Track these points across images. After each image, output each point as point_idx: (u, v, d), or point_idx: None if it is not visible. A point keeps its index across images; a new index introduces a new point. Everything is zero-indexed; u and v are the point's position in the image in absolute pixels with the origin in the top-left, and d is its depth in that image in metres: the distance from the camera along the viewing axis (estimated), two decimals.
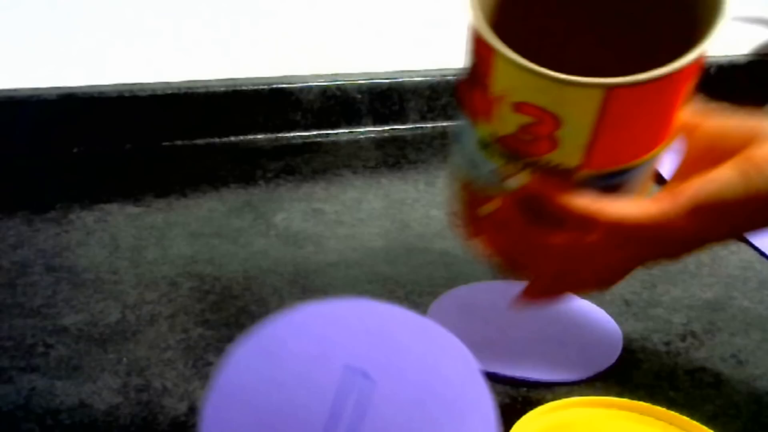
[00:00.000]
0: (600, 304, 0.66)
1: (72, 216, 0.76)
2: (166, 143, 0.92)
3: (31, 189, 0.80)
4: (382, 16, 0.98)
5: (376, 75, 0.98)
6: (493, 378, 0.57)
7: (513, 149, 0.47)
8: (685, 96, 0.52)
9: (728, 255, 0.76)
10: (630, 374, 0.59)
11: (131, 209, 0.78)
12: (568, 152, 0.46)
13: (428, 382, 0.36)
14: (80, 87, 0.89)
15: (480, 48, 0.46)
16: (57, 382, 0.55)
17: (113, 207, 0.78)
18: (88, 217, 0.76)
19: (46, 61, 0.87)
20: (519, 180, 0.48)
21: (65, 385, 0.55)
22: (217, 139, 0.94)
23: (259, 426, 0.35)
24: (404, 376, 0.35)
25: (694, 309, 0.67)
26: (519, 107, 0.45)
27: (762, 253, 0.77)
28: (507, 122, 0.46)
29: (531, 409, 0.55)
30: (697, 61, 0.49)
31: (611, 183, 0.48)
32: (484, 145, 0.48)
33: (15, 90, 0.87)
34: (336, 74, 0.98)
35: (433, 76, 0.99)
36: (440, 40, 1.00)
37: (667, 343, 0.63)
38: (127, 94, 0.89)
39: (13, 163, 0.85)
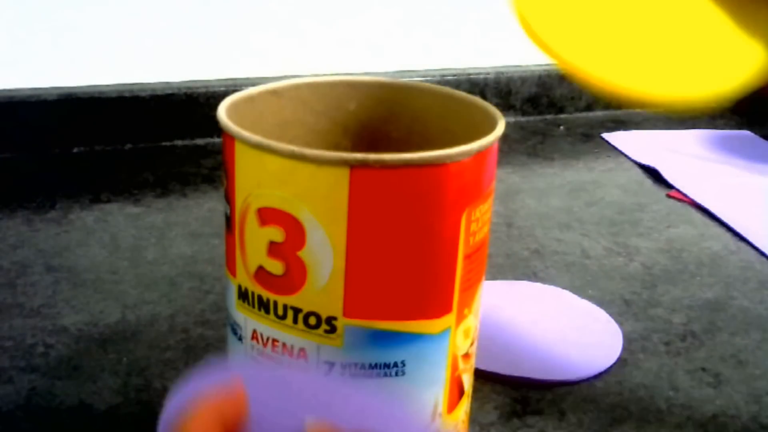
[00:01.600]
0: (600, 304, 0.66)
1: (72, 216, 0.76)
2: (166, 143, 0.92)
3: (31, 189, 0.80)
4: (383, 16, 0.98)
5: (376, 75, 0.98)
6: (493, 378, 0.57)
7: (264, 288, 0.41)
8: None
9: (728, 255, 0.76)
10: (630, 374, 0.59)
11: (131, 209, 0.78)
12: (324, 287, 0.40)
13: None
14: (80, 87, 0.89)
15: (225, 149, 0.41)
16: (57, 382, 0.55)
17: (113, 207, 0.78)
18: (88, 217, 0.76)
19: (46, 61, 0.87)
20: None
21: (65, 385, 0.55)
22: (217, 139, 0.94)
23: None
24: None
25: (694, 309, 0.67)
26: (263, 215, 0.40)
27: (762, 253, 0.77)
28: (256, 246, 0.40)
29: (530, 410, 0.55)
30: (450, 163, 0.39)
31: (386, 362, 0.41)
32: (241, 294, 0.42)
33: (15, 90, 0.87)
34: (336, 74, 0.98)
35: (433, 76, 0.99)
36: (440, 40, 1.00)
37: (667, 343, 0.63)
38: (127, 94, 0.89)
39: (13, 163, 0.85)
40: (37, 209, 0.77)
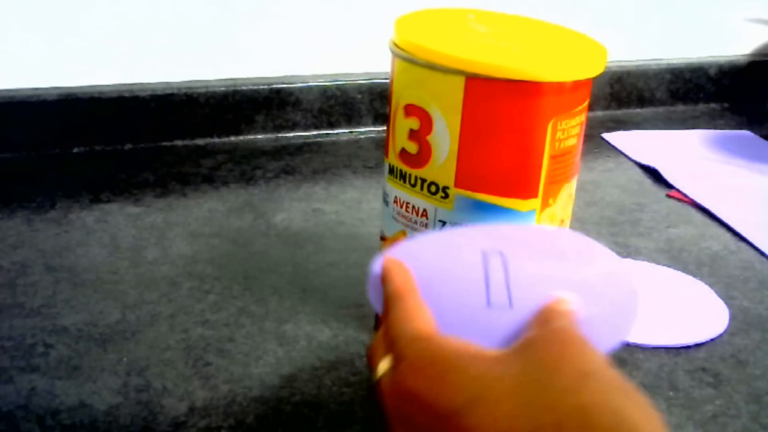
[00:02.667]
0: None
1: (72, 216, 0.76)
2: (166, 143, 0.92)
3: (31, 189, 0.80)
4: (383, 16, 0.98)
5: (376, 75, 0.98)
6: None
7: (404, 164, 0.56)
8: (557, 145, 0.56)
9: (728, 255, 0.76)
10: (630, 374, 0.59)
11: (131, 209, 0.78)
12: (443, 164, 0.54)
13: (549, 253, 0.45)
14: (80, 87, 0.89)
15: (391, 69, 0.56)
16: (57, 382, 0.55)
17: (113, 207, 0.78)
18: (88, 217, 0.76)
19: (46, 61, 0.87)
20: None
21: (65, 385, 0.55)
22: (217, 139, 0.94)
23: (429, 286, 0.43)
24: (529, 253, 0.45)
25: None
26: (407, 110, 0.55)
27: (762, 253, 0.77)
28: (401, 132, 0.55)
29: None
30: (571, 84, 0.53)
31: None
32: (390, 170, 0.58)
33: (15, 90, 0.87)
34: (336, 74, 0.98)
35: None
36: None
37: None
38: (127, 94, 0.89)
39: (13, 163, 0.85)
40: (37, 209, 0.77)
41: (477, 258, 0.44)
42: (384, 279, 0.44)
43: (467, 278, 0.43)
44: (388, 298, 0.42)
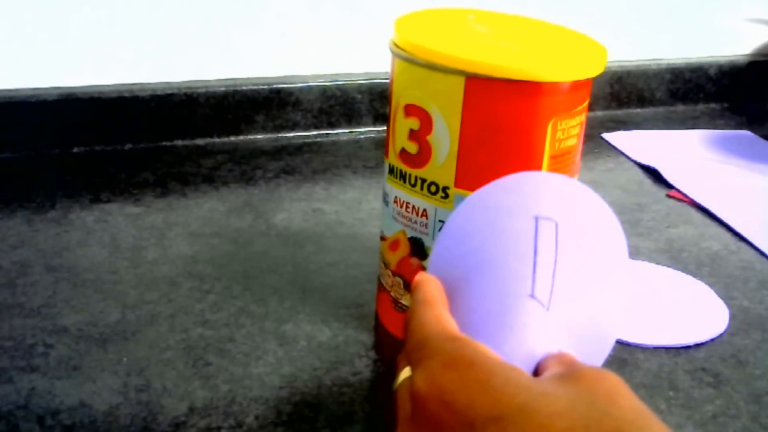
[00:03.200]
0: None
1: (72, 216, 0.76)
2: (166, 143, 0.92)
3: (31, 189, 0.80)
4: (382, 16, 0.98)
5: (376, 75, 0.98)
6: None
7: (404, 164, 0.56)
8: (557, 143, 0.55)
9: (728, 255, 0.76)
10: (631, 374, 0.59)
11: (131, 209, 0.78)
12: (442, 164, 0.54)
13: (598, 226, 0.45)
14: (80, 87, 0.89)
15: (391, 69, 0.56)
16: (57, 382, 0.55)
17: (113, 207, 0.78)
18: (88, 217, 0.76)
19: (46, 61, 0.87)
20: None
21: (65, 385, 0.55)
22: (217, 139, 0.94)
23: (481, 257, 0.41)
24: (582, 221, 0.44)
25: None
26: (407, 110, 0.54)
27: (762, 253, 0.77)
28: (401, 132, 0.55)
29: None
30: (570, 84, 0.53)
31: None
32: (390, 170, 0.57)
33: (15, 90, 0.87)
34: (336, 74, 0.98)
35: None
36: None
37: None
38: (127, 94, 0.89)
39: (13, 163, 0.85)
40: (37, 209, 0.77)
41: (529, 226, 0.41)
42: (413, 288, 0.42)
43: (514, 257, 0.41)
44: (416, 304, 0.40)
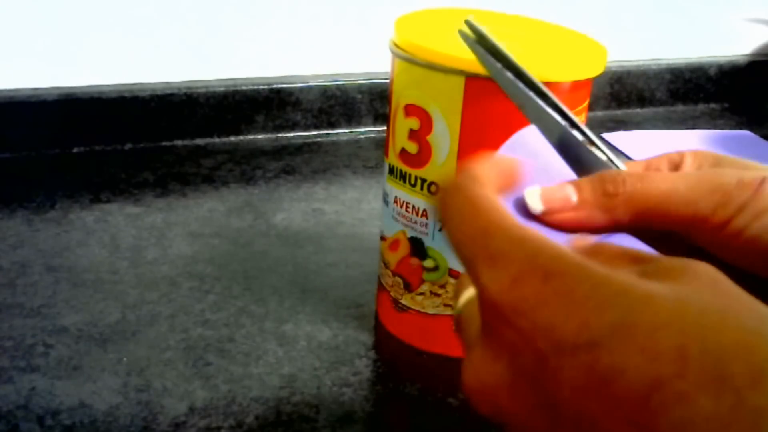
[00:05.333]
0: None
1: (72, 216, 0.76)
2: (166, 143, 0.92)
3: (31, 189, 0.80)
4: (382, 16, 0.98)
5: (376, 75, 0.98)
6: None
7: (404, 164, 0.56)
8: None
9: None
10: None
11: (131, 209, 0.78)
12: (443, 163, 0.54)
13: None
14: (80, 87, 0.89)
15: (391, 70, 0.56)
16: (57, 382, 0.55)
17: (113, 207, 0.78)
18: (88, 217, 0.76)
19: (46, 61, 0.87)
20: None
21: (65, 385, 0.55)
22: (217, 139, 0.94)
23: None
24: None
25: None
26: (407, 110, 0.54)
27: None
28: (401, 132, 0.55)
29: None
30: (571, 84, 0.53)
31: None
32: (390, 170, 0.57)
33: (15, 90, 0.87)
34: (336, 74, 0.98)
35: None
36: None
37: None
38: (127, 94, 0.89)
39: (13, 163, 0.85)
40: (37, 209, 0.77)
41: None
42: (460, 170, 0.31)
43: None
44: (467, 181, 0.30)
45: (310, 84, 0.96)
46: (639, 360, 0.23)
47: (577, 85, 0.53)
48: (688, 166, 0.37)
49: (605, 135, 1.03)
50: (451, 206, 0.29)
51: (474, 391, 0.27)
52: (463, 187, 0.30)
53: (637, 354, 0.23)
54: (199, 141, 0.94)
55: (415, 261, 0.58)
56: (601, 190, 0.33)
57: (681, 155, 0.37)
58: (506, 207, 0.29)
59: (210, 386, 0.55)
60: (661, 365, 0.23)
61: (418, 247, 0.57)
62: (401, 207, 0.57)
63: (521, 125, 0.52)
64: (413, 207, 0.56)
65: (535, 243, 0.27)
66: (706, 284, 0.25)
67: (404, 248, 0.58)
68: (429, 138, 0.54)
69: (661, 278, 0.26)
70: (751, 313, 0.24)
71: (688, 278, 0.25)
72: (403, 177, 0.57)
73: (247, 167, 0.88)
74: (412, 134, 0.55)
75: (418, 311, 0.59)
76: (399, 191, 0.57)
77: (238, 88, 0.93)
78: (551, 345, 0.25)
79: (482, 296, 0.27)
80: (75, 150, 0.89)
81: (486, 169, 0.31)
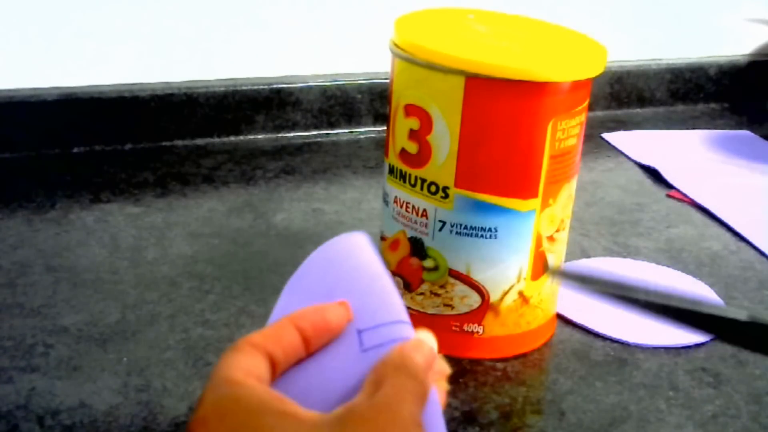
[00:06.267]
0: None
1: (72, 216, 0.76)
2: (166, 143, 0.92)
3: (31, 189, 0.80)
4: (382, 16, 0.98)
5: (376, 75, 0.98)
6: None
7: (404, 164, 0.56)
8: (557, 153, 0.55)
9: (728, 255, 0.76)
10: (630, 374, 0.59)
11: (131, 209, 0.78)
12: (443, 163, 0.54)
13: None
14: (80, 87, 0.89)
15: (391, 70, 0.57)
16: (57, 382, 0.55)
17: (113, 207, 0.78)
18: (88, 217, 0.76)
19: (46, 61, 0.87)
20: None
21: (65, 385, 0.55)
22: (217, 139, 0.94)
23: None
24: None
25: None
26: (407, 110, 0.54)
27: (762, 253, 0.77)
28: (401, 132, 0.55)
29: (530, 410, 0.55)
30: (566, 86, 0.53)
31: (483, 226, 0.54)
32: (390, 170, 0.57)
33: (15, 90, 0.87)
34: (336, 74, 0.98)
35: None
36: None
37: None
38: (127, 94, 0.89)
39: (13, 163, 0.85)
40: (37, 209, 0.77)
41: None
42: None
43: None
44: (233, 346, 0.37)
45: (310, 84, 0.96)
46: None
47: (577, 85, 0.53)
48: None
49: (605, 135, 1.03)
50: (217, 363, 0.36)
51: None
52: (225, 351, 0.36)
53: None
54: (199, 141, 0.94)
55: (415, 261, 0.58)
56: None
57: None
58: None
59: None
60: None
61: (418, 247, 0.57)
62: (401, 207, 0.57)
63: (521, 125, 0.52)
64: (413, 207, 0.56)
65: (225, 389, 0.33)
66: (363, 424, 0.31)
67: (404, 248, 0.58)
68: (429, 138, 0.54)
69: (343, 420, 0.31)
70: None
71: (354, 423, 0.31)
72: (403, 177, 0.56)
73: (247, 167, 0.88)
74: (412, 134, 0.55)
75: (418, 311, 0.59)
76: (399, 191, 0.57)
77: (238, 88, 0.93)
78: None
79: (191, 420, 0.33)
80: (75, 150, 0.89)
81: (268, 329, 0.37)
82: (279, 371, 0.37)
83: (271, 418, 0.31)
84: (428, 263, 0.57)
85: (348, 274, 0.41)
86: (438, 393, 0.36)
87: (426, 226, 0.56)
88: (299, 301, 0.40)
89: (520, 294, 0.57)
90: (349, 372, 0.37)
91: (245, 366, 0.35)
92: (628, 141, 1.02)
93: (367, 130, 0.99)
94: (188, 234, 0.74)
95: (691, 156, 0.98)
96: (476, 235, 0.55)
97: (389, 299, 0.39)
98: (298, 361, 0.38)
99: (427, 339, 0.37)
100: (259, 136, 0.96)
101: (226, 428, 0.32)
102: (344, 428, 0.31)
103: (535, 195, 0.54)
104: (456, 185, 0.54)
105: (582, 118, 0.55)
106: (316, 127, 0.98)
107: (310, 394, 0.36)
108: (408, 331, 0.38)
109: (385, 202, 0.59)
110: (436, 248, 0.56)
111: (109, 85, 0.90)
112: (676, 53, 1.15)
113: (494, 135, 0.53)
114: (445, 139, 0.53)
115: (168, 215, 0.77)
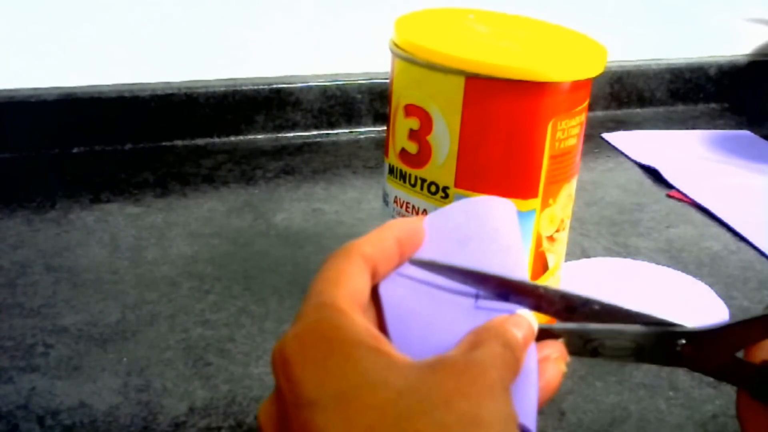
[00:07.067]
0: None
1: (72, 216, 0.76)
2: (166, 143, 0.92)
3: (31, 189, 0.80)
4: (382, 16, 0.98)
5: (376, 75, 0.98)
6: None
7: (404, 164, 0.56)
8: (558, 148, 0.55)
9: (728, 255, 0.76)
10: (630, 374, 0.59)
11: (131, 209, 0.78)
12: (442, 164, 0.54)
13: None
14: (80, 87, 0.89)
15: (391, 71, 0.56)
16: (57, 382, 0.55)
17: (113, 207, 0.78)
18: (88, 217, 0.76)
19: (46, 61, 0.87)
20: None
21: (65, 385, 0.55)
22: (217, 139, 0.94)
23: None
24: None
25: None
26: (407, 110, 0.55)
27: (762, 253, 0.77)
28: (401, 132, 0.55)
29: None
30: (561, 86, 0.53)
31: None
32: (390, 170, 0.57)
33: (15, 90, 0.87)
34: (336, 74, 0.98)
35: None
36: None
37: None
38: (127, 94, 0.89)
39: (13, 163, 0.85)
40: (37, 209, 0.77)
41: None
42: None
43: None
44: (338, 250, 0.37)
45: (310, 84, 0.96)
46: (338, 427, 0.28)
47: (577, 85, 0.53)
48: None
49: (605, 135, 1.03)
50: (321, 266, 0.37)
51: (258, 420, 0.33)
52: (335, 254, 0.37)
53: (340, 422, 0.28)
54: (199, 141, 0.94)
55: None
56: None
57: None
58: (363, 277, 0.35)
59: (210, 386, 0.55)
60: None
61: None
62: (401, 207, 0.57)
63: (521, 125, 0.52)
64: (413, 207, 0.56)
65: (327, 312, 0.32)
66: (448, 385, 0.29)
67: None
68: (429, 138, 0.54)
69: (431, 370, 0.30)
70: (456, 422, 0.28)
71: (441, 377, 0.30)
72: (403, 177, 0.56)
73: (247, 167, 0.88)
74: (412, 134, 0.55)
75: None
76: (399, 191, 0.57)
77: (238, 88, 0.93)
78: (294, 398, 0.30)
79: (276, 345, 0.32)
80: (75, 150, 0.89)
81: (374, 238, 0.37)
82: (374, 282, 0.37)
83: (365, 352, 0.31)
84: None
85: (488, 234, 0.40)
86: (554, 374, 0.37)
87: None
88: (431, 238, 0.40)
89: None
90: (454, 322, 0.37)
91: (352, 290, 0.35)
92: (628, 141, 1.02)
93: (367, 130, 0.99)
94: (188, 234, 0.74)
95: (691, 156, 0.98)
96: None
97: (518, 270, 0.39)
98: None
99: (530, 317, 0.37)
100: (259, 136, 0.96)
101: (319, 351, 0.31)
102: (434, 375, 0.30)
103: (535, 195, 0.54)
104: (456, 185, 0.54)
105: (582, 118, 0.55)
106: (316, 127, 0.98)
107: (410, 337, 0.36)
108: (520, 308, 0.38)
109: (385, 202, 0.59)
110: None
111: (109, 85, 0.90)
112: (676, 53, 1.15)
113: (494, 135, 0.53)
114: (445, 139, 0.53)
115: (168, 215, 0.77)
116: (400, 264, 0.38)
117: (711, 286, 0.71)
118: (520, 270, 0.39)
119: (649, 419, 0.55)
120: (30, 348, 0.58)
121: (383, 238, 0.37)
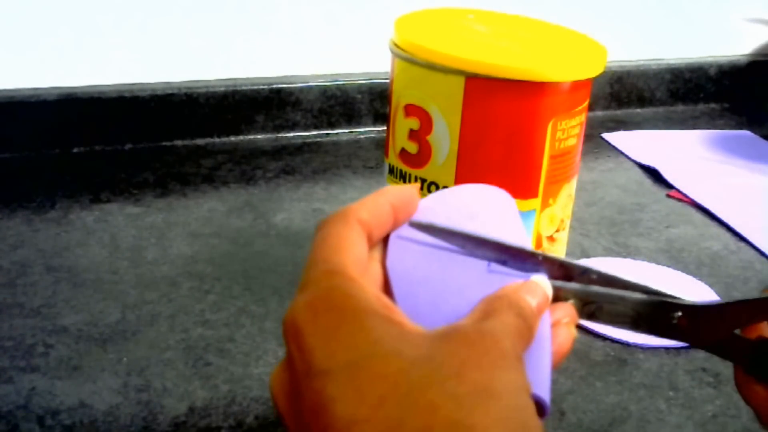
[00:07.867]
0: None
1: (72, 216, 0.76)
2: (166, 143, 0.92)
3: (31, 189, 0.80)
4: (382, 16, 0.98)
5: (376, 75, 0.98)
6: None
7: (404, 164, 0.56)
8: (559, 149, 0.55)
9: (728, 255, 0.76)
10: (630, 374, 0.59)
11: (131, 209, 0.78)
12: (443, 164, 0.54)
13: None
14: (80, 87, 0.89)
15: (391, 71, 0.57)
16: (57, 382, 0.55)
17: (113, 207, 0.78)
18: (88, 217, 0.76)
19: (46, 61, 0.87)
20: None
21: (65, 385, 0.55)
22: (217, 139, 0.94)
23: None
24: None
25: None
26: (407, 110, 0.55)
27: (762, 253, 0.77)
28: (401, 132, 0.56)
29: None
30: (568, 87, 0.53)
31: None
32: (390, 170, 0.58)
33: (15, 90, 0.87)
34: (336, 74, 0.98)
35: None
36: None
37: None
38: (127, 94, 0.89)
39: (13, 163, 0.85)
40: (37, 209, 0.77)
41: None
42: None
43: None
44: (333, 215, 0.37)
45: (310, 84, 0.96)
46: (350, 397, 0.27)
47: (577, 85, 0.53)
48: None
49: (605, 135, 1.03)
50: (319, 232, 0.36)
51: (270, 389, 0.32)
52: (332, 220, 0.36)
53: (352, 392, 0.28)
54: (199, 141, 0.94)
55: None
56: None
57: None
58: (361, 243, 0.34)
59: (210, 386, 0.55)
60: (361, 408, 0.27)
61: None
62: None
63: (521, 125, 0.52)
64: None
65: (338, 280, 0.32)
66: (460, 355, 0.29)
67: None
68: (429, 138, 0.54)
69: (443, 339, 0.30)
70: (467, 392, 0.28)
71: (453, 346, 0.29)
72: (403, 177, 0.56)
73: (247, 167, 0.88)
74: (412, 134, 0.55)
75: None
76: None
77: (238, 88, 0.93)
78: (305, 367, 0.29)
79: (286, 314, 0.31)
80: (75, 150, 0.89)
81: (369, 203, 0.36)
82: (369, 248, 0.36)
83: (377, 321, 0.30)
84: None
85: (496, 212, 0.40)
86: (565, 338, 0.36)
87: None
88: (438, 210, 0.40)
89: None
90: (466, 287, 0.36)
91: (356, 257, 0.34)
92: (628, 141, 1.02)
93: (367, 130, 0.99)
94: (188, 234, 0.74)
95: (691, 156, 0.98)
96: None
97: (524, 242, 0.39)
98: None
99: (544, 284, 0.37)
100: (259, 136, 0.96)
101: (331, 320, 0.30)
102: (447, 344, 0.30)
103: (535, 195, 0.54)
104: (456, 184, 0.54)
105: (582, 118, 0.55)
106: (316, 127, 0.98)
107: (419, 303, 0.36)
108: (535, 273, 0.38)
109: None
110: None
111: (109, 85, 0.90)
112: (676, 53, 1.15)
113: (494, 135, 0.53)
114: (445, 139, 0.53)
115: (168, 215, 0.77)
116: (394, 226, 0.38)
117: (711, 286, 0.71)
118: (523, 242, 0.39)
119: (649, 419, 0.55)
120: (30, 348, 0.58)
121: (378, 203, 0.37)
